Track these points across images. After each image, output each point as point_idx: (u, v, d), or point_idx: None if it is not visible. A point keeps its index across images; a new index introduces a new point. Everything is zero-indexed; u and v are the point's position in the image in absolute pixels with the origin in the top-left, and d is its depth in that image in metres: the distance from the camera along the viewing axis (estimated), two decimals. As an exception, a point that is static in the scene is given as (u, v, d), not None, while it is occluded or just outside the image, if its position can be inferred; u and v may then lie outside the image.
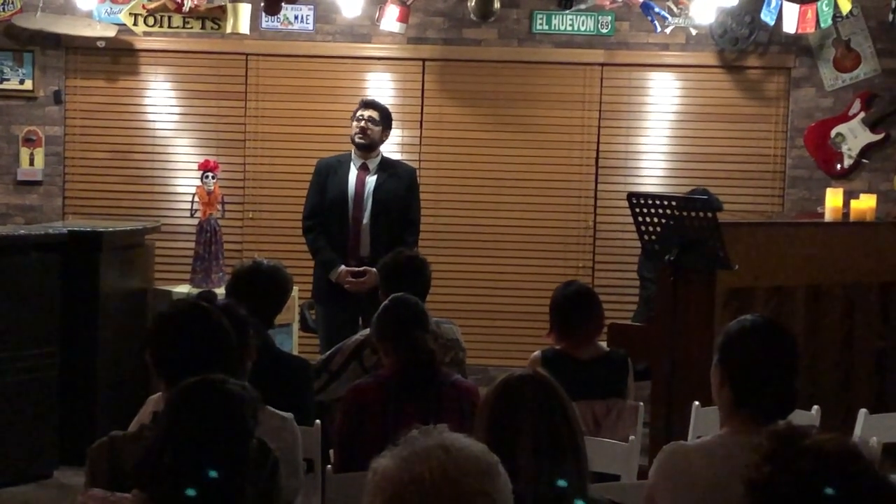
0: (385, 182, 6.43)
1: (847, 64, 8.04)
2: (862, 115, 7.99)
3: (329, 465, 3.78)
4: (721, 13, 7.80)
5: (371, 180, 6.43)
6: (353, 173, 6.44)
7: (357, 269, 6.30)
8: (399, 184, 6.47)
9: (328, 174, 6.49)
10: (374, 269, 5.97)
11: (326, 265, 6.40)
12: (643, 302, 7.06)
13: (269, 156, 8.16)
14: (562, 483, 2.45)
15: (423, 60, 8.14)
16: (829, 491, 1.96)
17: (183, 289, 7.02)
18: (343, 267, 6.33)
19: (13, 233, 6.43)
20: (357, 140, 6.42)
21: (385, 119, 6.50)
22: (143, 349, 3.25)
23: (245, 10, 7.62)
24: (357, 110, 6.50)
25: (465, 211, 8.13)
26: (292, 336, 7.27)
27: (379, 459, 1.91)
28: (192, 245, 7.22)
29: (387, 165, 6.53)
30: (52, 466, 6.17)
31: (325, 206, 6.44)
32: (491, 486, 1.88)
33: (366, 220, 6.39)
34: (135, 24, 7.89)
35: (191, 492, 2.38)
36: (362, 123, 6.42)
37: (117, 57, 8.09)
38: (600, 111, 8.12)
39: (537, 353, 4.68)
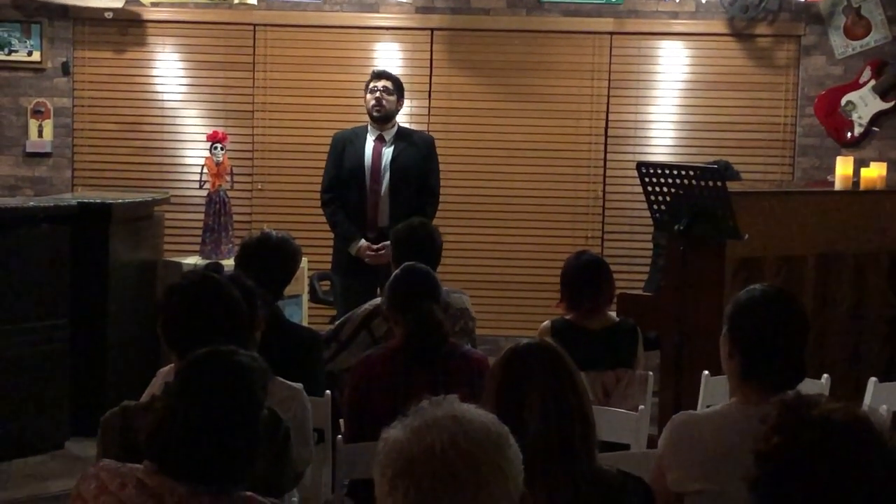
0: (402, 153, 6.42)
1: (857, 31, 8.00)
2: (872, 82, 7.96)
3: (339, 436, 3.79)
4: (731, -19, 7.76)
5: (388, 152, 6.42)
6: (369, 145, 6.43)
7: (376, 245, 6.29)
8: (416, 153, 6.46)
9: (344, 147, 6.49)
10: (392, 243, 6.00)
11: (346, 239, 6.40)
12: (657, 269, 7.05)
13: (277, 126, 8.15)
14: None
15: (432, 30, 8.11)
16: None
17: (193, 260, 7.03)
18: (363, 241, 6.33)
19: (23, 205, 6.43)
20: (374, 113, 6.41)
21: (398, 88, 6.49)
22: (155, 320, 3.26)
23: (253, -19, 7.60)
24: (370, 82, 6.48)
25: (474, 181, 8.12)
26: (302, 307, 7.28)
27: (389, 430, 1.91)
28: (202, 216, 7.23)
29: (403, 135, 6.52)
30: (63, 437, 6.20)
31: (343, 179, 6.44)
32: (501, 456, 1.88)
33: (384, 191, 6.38)
34: (142, -6, 7.88)
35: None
36: (377, 95, 6.40)
37: (125, 28, 8.08)
38: (609, 80, 8.10)
39: (547, 323, 4.69)
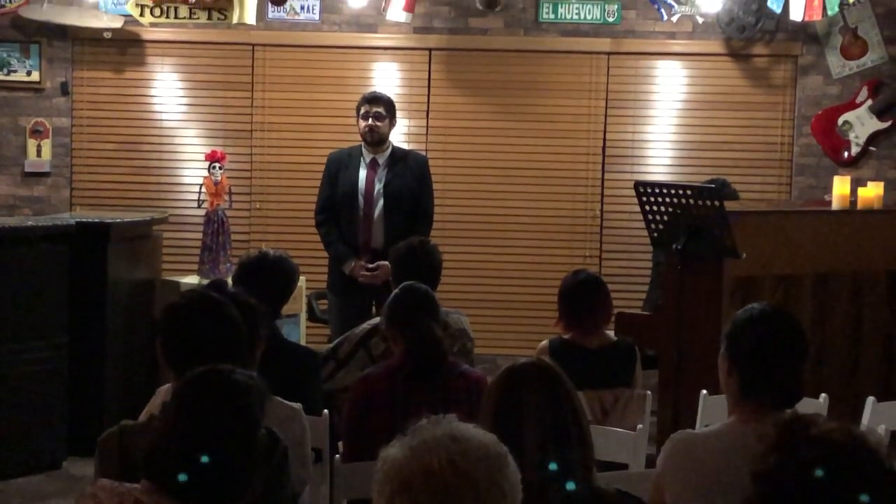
0: (395, 178, 6.42)
1: (854, 51, 8.03)
2: (869, 102, 7.98)
3: (337, 455, 3.79)
4: (728, 1, 7.79)
5: (381, 178, 6.42)
6: (362, 171, 6.43)
7: (370, 265, 6.30)
8: (410, 176, 6.46)
9: (339, 168, 6.49)
10: (387, 263, 6.01)
11: (339, 259, 6.41)
12: (655, 288, 7.05)
13: (275, 146, 8.16)
14: (570, 486, 2.45)
15: (430, 50, 8.14)
16: (819, 472, 1.96)
17: (191, 279, 7.03)
18: (355, 262, 6.33)
19: (21, 224, 6.44)
20: (368, 140, 6.42)
21: (390, 110, 6.49)
22: (153, 339, 3.26)
23: (251, 1, 7.62)
24: (361, 106, 6.47)
25: (471, 200, 8.13)
26: (300, 326, 7.27)
27: (388, 449, 1.91)
28: (200, 236, 7.23)
29: (397, 158, 6.51)
30: (61, 457, 6.19)
31: (337, 201, 6.45)
32: (500, 475, 1.88)
33: (377, 215, 6.38)
34: (141, 14, 7.90)
35: (182, 477, 2.38)
36: (370, 121, 6.39)
37: (124, 48, 8.10)
38: (607, 100, 8.12)
39: (545, 342, 4.69)
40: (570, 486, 2.45)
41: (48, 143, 8.11)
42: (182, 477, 2.41)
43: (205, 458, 2.41)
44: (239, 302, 3.42)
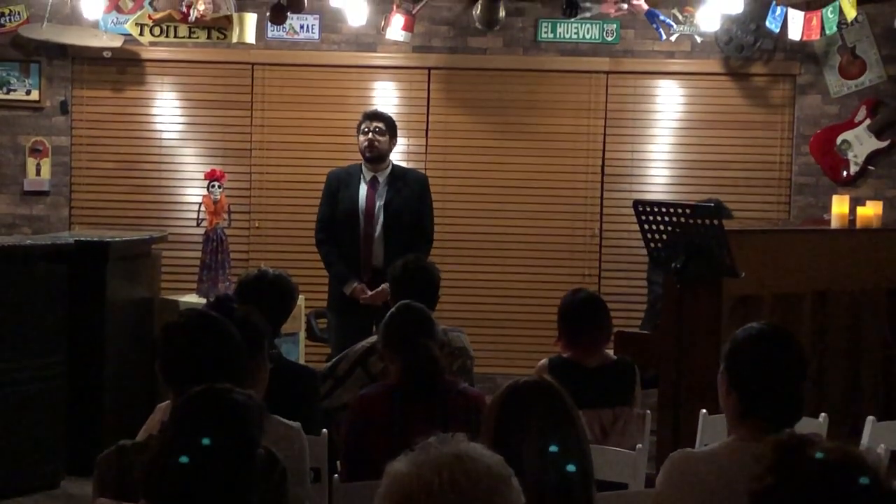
0: (395, 195, 6.43)
1: (852, 71, 8.04)
2: (868, 121, 7.99)
3: (336, 475, 3.78)
4: (726, 21, 7.81)
5: (381, 195, 6.43)
6: (363, 189, 6.45)
7: (372, 291, 6.31)
8: (410, 194, 6.48)
9: (339, 187, 6.51)
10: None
11: (339, 279, 6.41)
12: (651, 305, 7.05)
13: (275, 165, 8.17)
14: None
15: (429, 69, 8.15)
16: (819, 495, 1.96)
17: (190, 298, 7.03)
18: (357, 283, 6.34)
19: (20, 243, 6.43)
20: (367, 154, 6.44)
21: (391, 128, 6.52)
22: (151, 358, 3.25)
23: (251, 20, 7.64)
24: (361, 123, 6.50)
25: (471, 219, 8.14)
26: (299, 345, 7.27)
27: (394, 464, 1.91)
28: (199, 254, 7.23)
29: (397, 176, 6.53)
30: (59, 476, 6.17)
31: (337, 220, 6.46)
32: (500, 498, 1.87)
33: (377, 233, 6.40)
34: (141, 34, 7.91)
35: (181, 496, 2.37)
36: (370, 136, 6.42)
37: (123, 67, 8.12)
38: (606, 119, 8.13)
39: (544, 361, 4.68)
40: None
41: (47, 161, 8.12)
42: (180, 496, 2.41)
43: (203, 478, 2.41)
44: (243, 319, 3.42)
